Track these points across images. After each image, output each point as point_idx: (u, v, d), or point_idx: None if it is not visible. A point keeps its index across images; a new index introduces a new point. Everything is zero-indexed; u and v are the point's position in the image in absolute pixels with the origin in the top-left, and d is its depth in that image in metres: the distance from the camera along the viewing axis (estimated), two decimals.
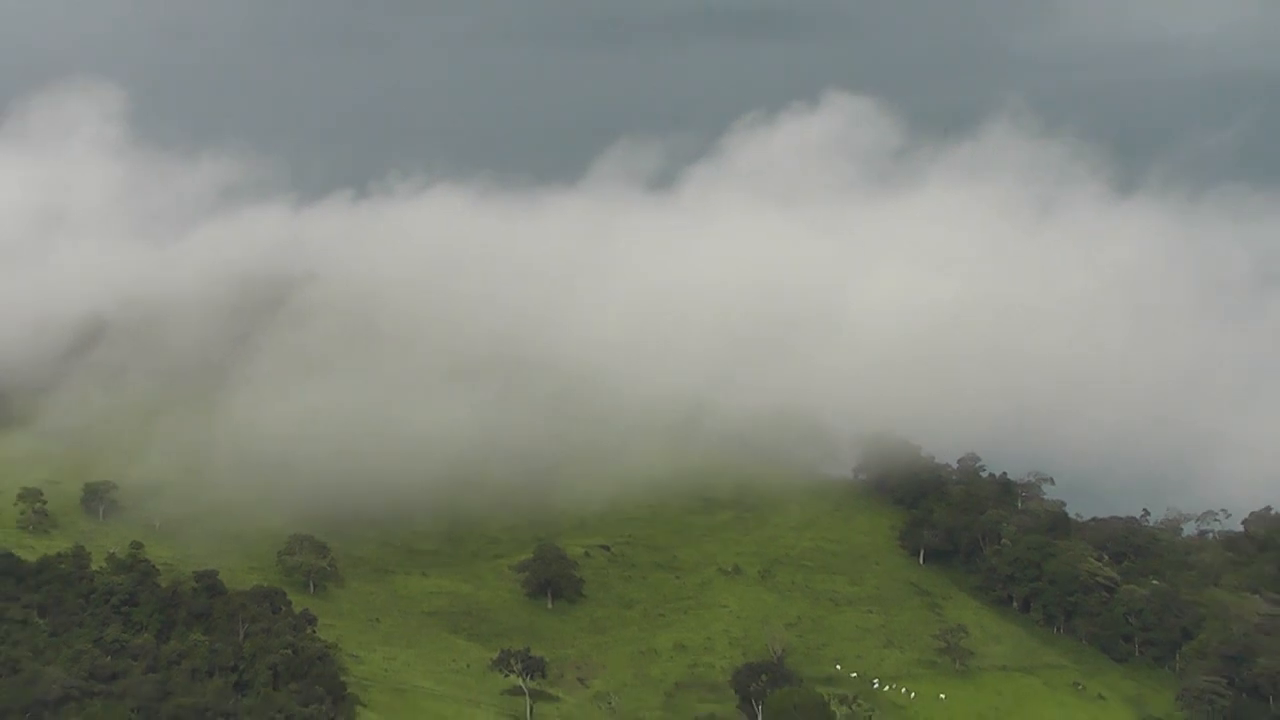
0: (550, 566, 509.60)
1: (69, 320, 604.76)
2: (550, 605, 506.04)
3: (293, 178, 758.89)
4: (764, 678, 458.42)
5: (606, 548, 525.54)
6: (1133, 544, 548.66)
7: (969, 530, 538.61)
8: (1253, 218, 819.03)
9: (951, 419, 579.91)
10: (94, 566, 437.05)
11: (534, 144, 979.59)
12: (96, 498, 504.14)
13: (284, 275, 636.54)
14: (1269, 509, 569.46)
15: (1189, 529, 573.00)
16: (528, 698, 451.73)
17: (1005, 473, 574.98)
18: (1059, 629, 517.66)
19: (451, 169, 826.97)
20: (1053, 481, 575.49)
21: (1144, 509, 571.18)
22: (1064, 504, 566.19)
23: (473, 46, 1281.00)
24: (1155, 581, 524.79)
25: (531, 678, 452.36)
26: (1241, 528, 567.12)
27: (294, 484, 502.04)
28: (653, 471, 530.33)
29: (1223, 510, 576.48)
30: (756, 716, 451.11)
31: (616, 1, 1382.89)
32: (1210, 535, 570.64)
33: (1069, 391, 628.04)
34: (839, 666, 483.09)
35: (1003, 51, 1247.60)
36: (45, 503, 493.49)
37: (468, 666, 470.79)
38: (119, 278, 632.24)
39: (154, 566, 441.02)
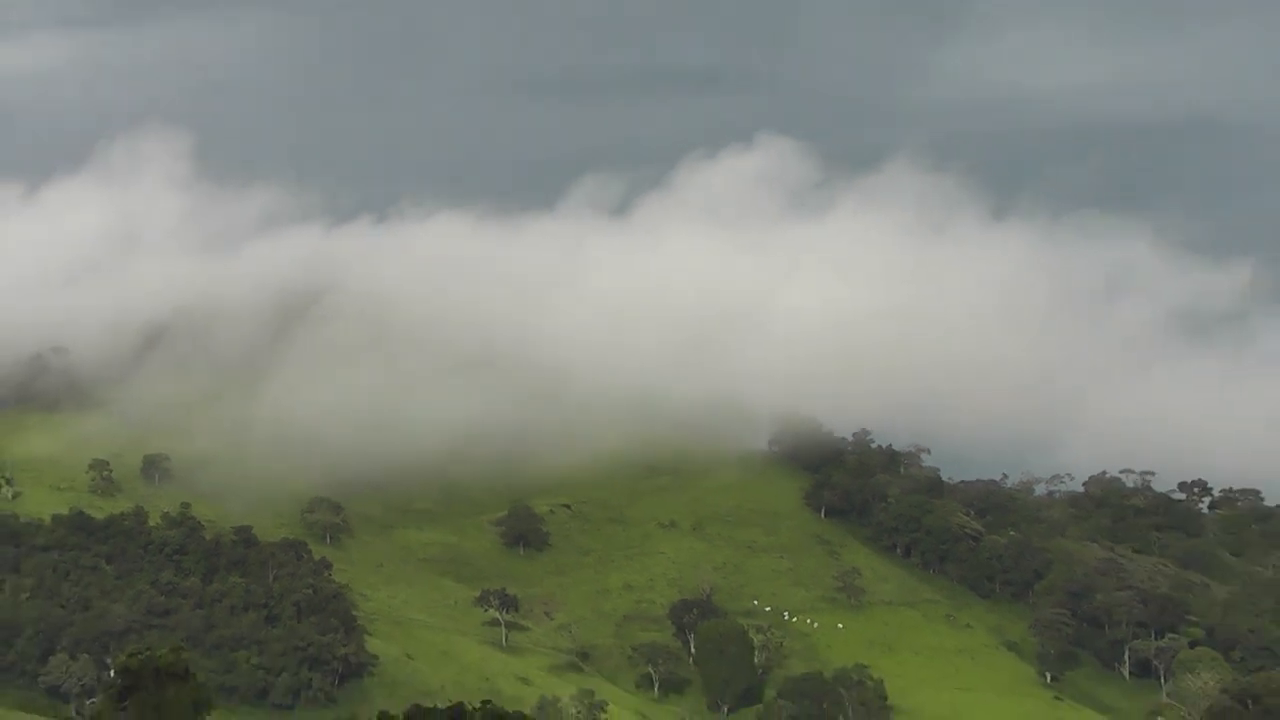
0: (522, 522, 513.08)
1: (139, 323, 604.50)
2: (522, 553, 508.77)
3: (324, 205, 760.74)
4: (695, 611, 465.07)
5: (568, 506, 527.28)
6: (994, 502, 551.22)
7: (861, 491, 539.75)
8: (1101, 238, 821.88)
9: (851, 401, 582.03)
10: (151, 523, 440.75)
11: (519, 178, 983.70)
12: (153, 467, 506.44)
13: (315, 286, 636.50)
14: (1104, 473, 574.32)
15: (1040, 490, 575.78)
16: (503, 628, 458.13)
17: (891, 445, 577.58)
18: (934, 571, 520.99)
19: (453, 198, 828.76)
20: (929, 451, 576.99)
21: (1004, 474, 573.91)
22: (939, 470, 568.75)
23: (468, 98, 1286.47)
24: (1012, 533, 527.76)
25: (506, 612, 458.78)
26: (1083, 489, 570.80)
27: (316, 456, 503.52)
28: (607, 445, 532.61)
29: (1068, 474, 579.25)
30: (689, 643, 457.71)
31: (584, 61, 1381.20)
32: (1057, 495, 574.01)
33: (949, 379, 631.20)
34: (756, 602, 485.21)
35: (902, 103, 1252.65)
36: (111, 471, 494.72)
37: (455, 603, 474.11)
38: (181, 288, 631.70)
39: (200, 523, 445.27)
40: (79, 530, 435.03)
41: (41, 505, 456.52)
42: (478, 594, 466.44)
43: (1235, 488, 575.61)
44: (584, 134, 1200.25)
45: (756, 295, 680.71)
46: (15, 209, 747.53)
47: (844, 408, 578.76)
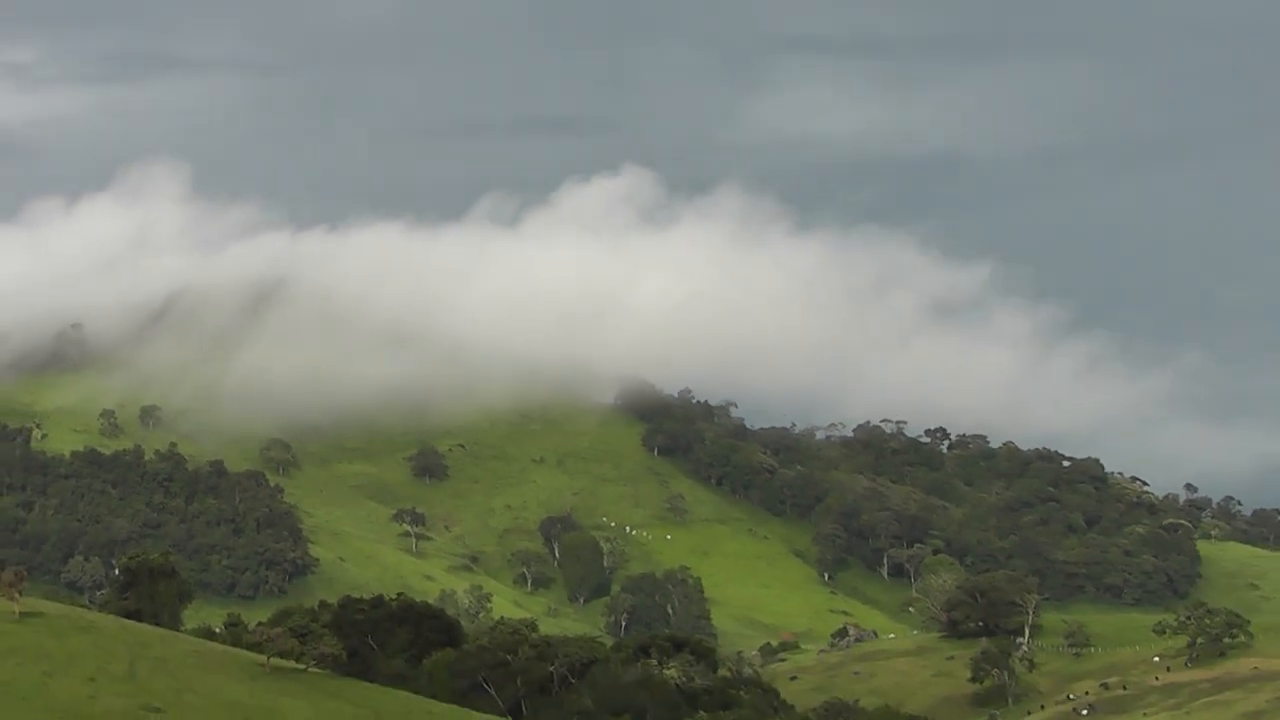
0: (428, 458, 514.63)
1: (146, 305, 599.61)
2: (428, 481, 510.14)
3: (288, 217, 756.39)
4: (559, 526, 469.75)
5: (463, 446, 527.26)
6: (785, 444, 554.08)
7: (685, 436, 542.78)
8: (877, 245, 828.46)
9: (680, 367, 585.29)
10: (146, 458, 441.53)
11: (436, 197, 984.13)
12: (149, 415, 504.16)
13: (280, 279, 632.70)
14: (869, 422, 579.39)
15: (820, 435, 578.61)
16: (413, 539, 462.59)
17: (708, 400, 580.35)
18: (740, 496, 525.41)
19: (386, 212, 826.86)
20: (737, 405, 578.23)
21: (793, 423, 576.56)
22: (744, 420, 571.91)
23: (397, 136, 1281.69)
24: (799, 467, 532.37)
25: (416, 526, 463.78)
26: (853, 434, 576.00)
27: (274, 408, 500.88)
28: (494, 399, 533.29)
29: (842, 423, 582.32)
30: (554, 550, 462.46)
31: (485, 108, 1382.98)
32: (833, 439, 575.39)
33: (755, 351, 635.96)
34: (605, 519, 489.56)
35: (728, 142, 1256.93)
36: (116, 418, 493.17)
37: (377, 520, 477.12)
38: (178, 279, 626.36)
39: (184, 458, 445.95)
40: (92, 463, 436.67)
41: (63, 444, 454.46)
42: (394, 512, 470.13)
43: (968, 433, 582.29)
44: (486, 164, 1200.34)
45: (615, 288, 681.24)
46: (56, 219, 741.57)
47: (674, 372, 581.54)
